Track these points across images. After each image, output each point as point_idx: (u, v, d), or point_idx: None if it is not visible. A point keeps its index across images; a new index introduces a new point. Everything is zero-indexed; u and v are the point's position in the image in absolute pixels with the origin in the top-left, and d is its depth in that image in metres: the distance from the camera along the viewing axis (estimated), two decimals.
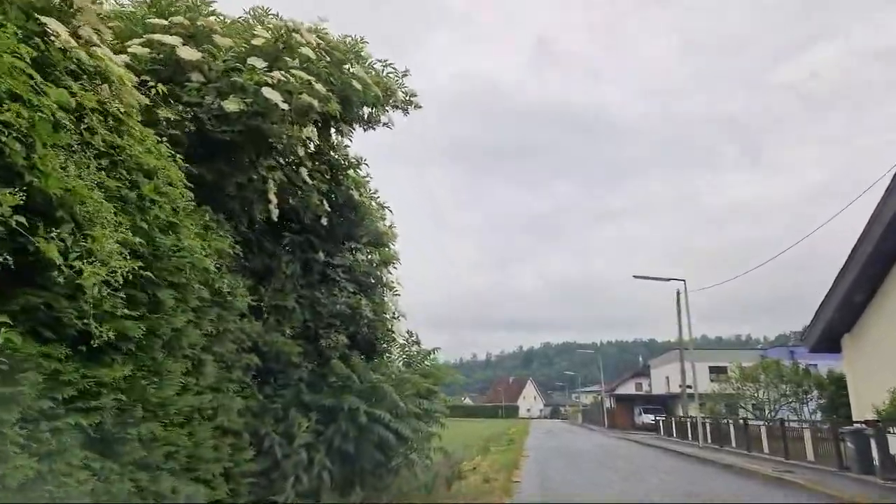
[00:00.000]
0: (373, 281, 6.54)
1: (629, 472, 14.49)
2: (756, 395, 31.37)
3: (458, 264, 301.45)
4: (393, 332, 6.50)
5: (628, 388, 65.68)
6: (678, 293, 34.99)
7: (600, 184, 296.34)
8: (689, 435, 25.88)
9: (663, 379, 50.19)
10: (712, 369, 46.99)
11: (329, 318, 5.88)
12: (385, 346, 6.57)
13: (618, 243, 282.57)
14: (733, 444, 20.51)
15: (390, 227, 7.07)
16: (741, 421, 20.79)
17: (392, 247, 7.04)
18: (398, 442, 5.63)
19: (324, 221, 5.94)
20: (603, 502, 10.00)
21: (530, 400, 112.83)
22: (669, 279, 23.91)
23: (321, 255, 6.16)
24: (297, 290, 5.86)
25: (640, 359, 79.69)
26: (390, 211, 6.87)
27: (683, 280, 23.87)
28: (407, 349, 6.94)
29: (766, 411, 31.27)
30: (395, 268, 7.11)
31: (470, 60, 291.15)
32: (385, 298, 6.58)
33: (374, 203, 6.50)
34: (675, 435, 28.68)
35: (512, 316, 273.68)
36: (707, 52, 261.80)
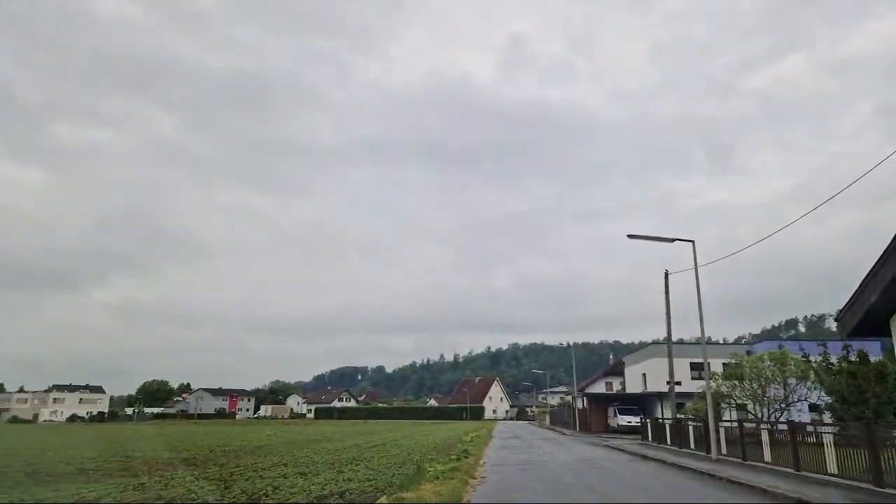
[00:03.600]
0: None
1: None
2: (760, 391, 25.56)
3: (431, 266, 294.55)
4: None
5: (598, 388, 59.80)
6: (666, 275, 29.07)
7: (577, 185, 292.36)
8: (692, 442, 19.61)
9: (639, 377, 44.29)
10: (693, 366, 41.44)
11: None
12: None
13: (592, 244, 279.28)
14: (767, 458, 14.24)
15: None
16: (785, 424, 14.45)
17: None
18: None
19: None
20: None
21: (496, 401, 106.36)
22: (674, 240, 17.67)
23: None
24: None
25: (611, 356, 73.96)
26: None
27: (692, 241, 17.64)
28: None
29: (766, 411, 25.50)
30: None
31: (444, 57, 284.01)
32: None
33: None
34: (668, 442, 22.37)
35: (483, 317, 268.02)
36: (677, 59, 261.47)
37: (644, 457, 18.62)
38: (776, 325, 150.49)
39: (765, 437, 14.54)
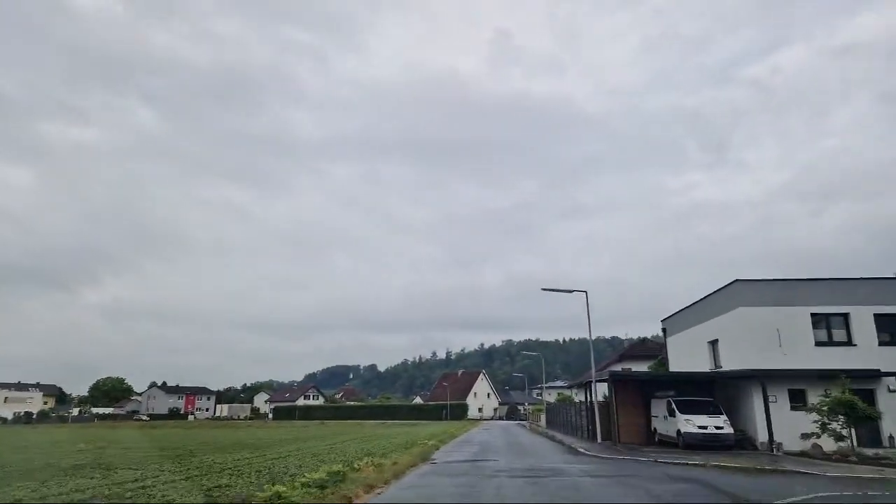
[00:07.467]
0: None
1: None
2: None
3: (421, 263, 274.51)
4: None
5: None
6: None
7: (565, 181, 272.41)
8: None
9: (702, 348, 24.86)
10: (818, 320, 21.76)
11: None
12: None
13: (583, 241, 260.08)
14: None
15: None
16: None
17: None
18: None
19: None
20: None
21: (482, 397, 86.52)
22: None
23: None
24: None
25: (624, 337, 54.40)
26: None
27: None
28: None
29: None
30: None
31: (428, 51, 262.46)
32: None
33: None
34: None
35: (474, 315, 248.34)
36: (668, 51, 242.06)
37: None
38: None
39: None
